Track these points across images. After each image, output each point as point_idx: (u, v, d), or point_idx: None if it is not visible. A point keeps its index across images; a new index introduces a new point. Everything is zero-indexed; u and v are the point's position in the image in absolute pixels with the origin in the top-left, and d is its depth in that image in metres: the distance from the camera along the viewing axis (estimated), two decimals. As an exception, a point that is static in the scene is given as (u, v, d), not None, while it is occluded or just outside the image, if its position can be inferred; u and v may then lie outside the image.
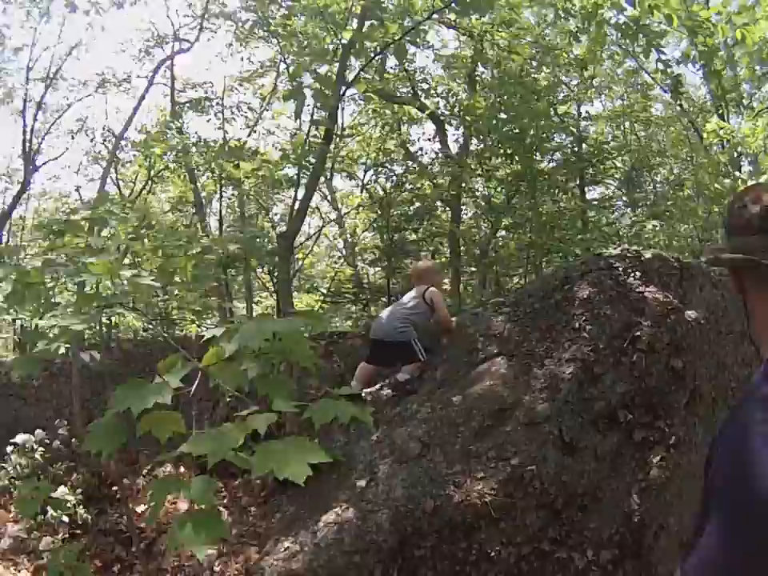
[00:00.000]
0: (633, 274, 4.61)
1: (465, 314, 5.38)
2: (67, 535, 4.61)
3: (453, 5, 4.27)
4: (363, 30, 4.10)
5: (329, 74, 5.40)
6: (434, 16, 7.02)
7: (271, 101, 11.96)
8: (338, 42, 6.07)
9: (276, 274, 8.84)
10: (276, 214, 12.92)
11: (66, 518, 4.47)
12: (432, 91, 10.40)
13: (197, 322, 8.57)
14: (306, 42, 7.52)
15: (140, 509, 5.35)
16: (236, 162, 8.65)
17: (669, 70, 5.00)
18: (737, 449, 1.04)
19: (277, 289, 9.12)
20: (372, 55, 5.99)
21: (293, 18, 7.59)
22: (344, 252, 14.23)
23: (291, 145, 9.09)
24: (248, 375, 2.02)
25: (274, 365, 2.09)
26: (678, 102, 11.20)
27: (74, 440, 6.28)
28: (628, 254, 4.77)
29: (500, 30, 9.04)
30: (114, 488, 5.59)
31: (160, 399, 1.74)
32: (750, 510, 0.98)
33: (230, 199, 11.69)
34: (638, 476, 3.79)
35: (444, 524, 3.47)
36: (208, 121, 10.87)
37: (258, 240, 8.28)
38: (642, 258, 4.77)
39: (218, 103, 10.95)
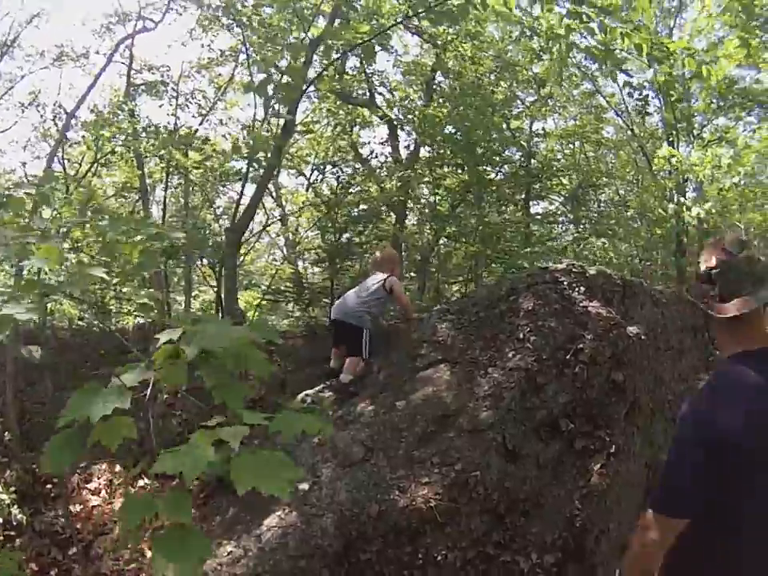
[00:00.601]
0: (577, 289, 4.74)
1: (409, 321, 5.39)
2: (1, 537, 4.41)
3: (426, 12, 4.28)
4: (333, 28, 4.07)
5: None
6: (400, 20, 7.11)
7: (227, 91, 11.77)
8: (305, 37, 6.03)
9: (218, 268, 8.68)
10: (219, 207, 12.69)
11: (-1, 519, 4.28)
12: (389, 95, 10.45)
13: (134, 314, 8.33)
14: (274, 34, 7.46)
15: (76, 508, 5.15)
16: (185, 151, 8.47)
17: (636, 93, 5.19)
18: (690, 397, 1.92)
19: (219, 284, 8.97)
20: (338, 54, 5.96)
21: (260, 9, 7.49)
22: (285, 250, 14.10)
23: (244, 137, 8.97)
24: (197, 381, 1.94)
25: (231, 372, 2.02)
26: (630, 127, 11.69)
27: (6, 433, 5.99)
28: (573, 270, 4.91)
29: (464, 41, 9.17)
30: (48, 486, 5.37)
31: (119, 404, 1.67)
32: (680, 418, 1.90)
33: (175, 188, 11.40)
34: (579, 483, 3.90)
35: (389, 528, 3.49)
36: (161, 106, 10.60)
37: (201, 232, 8.14)
38: (587, 274, 4.92)
39: (172, 88, 10.67)
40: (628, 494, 4.11)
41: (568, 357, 4.27)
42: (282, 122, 6.53)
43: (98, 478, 5.78)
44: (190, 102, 10.63)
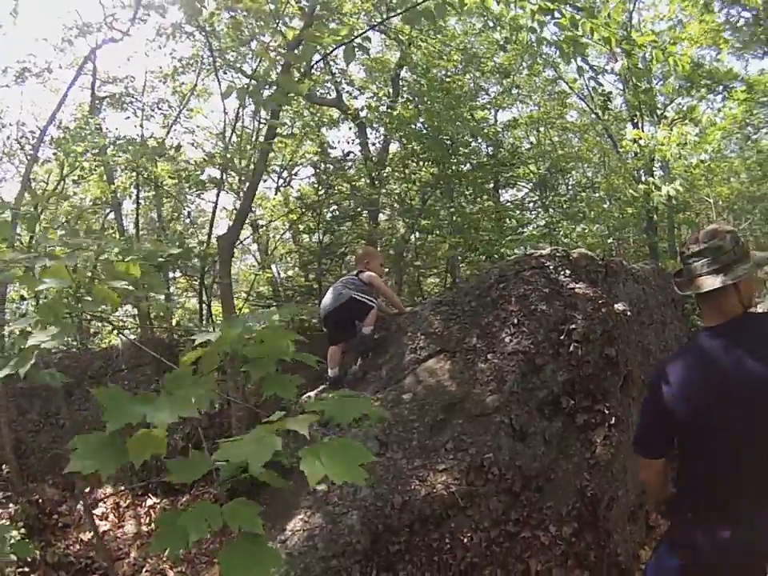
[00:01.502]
0: (563, 272, 4.92)
1: (403, 314, 5.48)
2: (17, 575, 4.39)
3: (405, 13, 4.36)
4: (310, 31, 4.15)
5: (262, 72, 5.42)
6: (363, 17, 7.17)
7: (190, 99, 11.69)
8: (279, 40, 6.07)
9: (200, 278, 8.68)
10: (190, 216, 12.61)
11: (13, 557, 4.23)
12: (356, 93, 10.51)
13: (117, 332, 8.27)
14: (243, 38, 7.46)
15: (87, 536, 5.14)
16: (156, 161, 8.43)
17: (600, 88, 5.34)
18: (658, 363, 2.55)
19: (201, 293, 8.96)
20: (320, 58, 6.02)
21: (227, 14, 7.46)
22: (259, 256, 14.06)
23: (215, 144, 8.97)
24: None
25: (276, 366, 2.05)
26: (594, 112, 11.94)
27: (3, 466, 5.93)
28: (557, 254, 5.09)
29: (429, 36, 9.27)
30: (55, 516, 5.34)
31: (188, 413, 1.57)
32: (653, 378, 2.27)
33: (146, 201, 11.30)
34: (585, 455, 4.10)
35: (414, 518, 3.61)
36: (127, 118, 10.48)
37: (182, 243, 8.13)
38: (570, 257, 5.12)
39: (137, 99, 10.57)
40: (631, 461, 4.30)
41: (562, 337, 4.46)
42: (257, 126, 6.58)
43: (104, 503, 5.74)
44: (155, 113, 10.53)
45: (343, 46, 4.63)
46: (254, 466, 1.47)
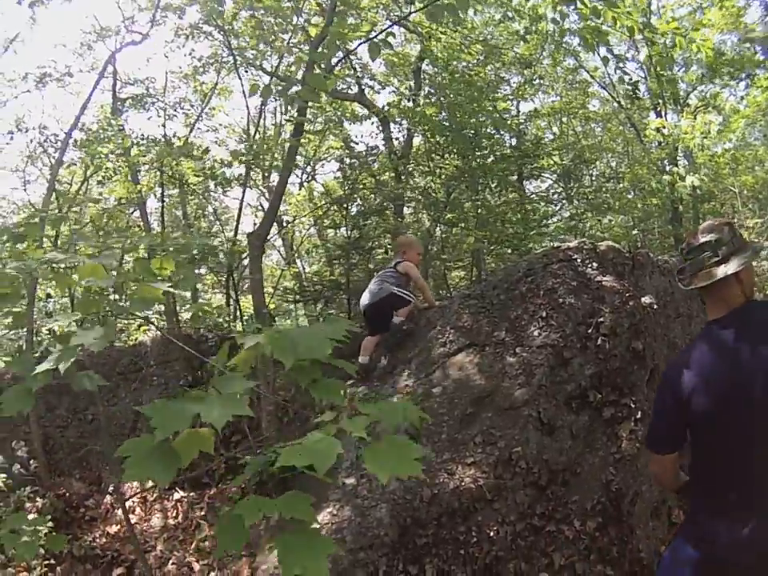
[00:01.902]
0: (590, 265, 4.93)
1: (432, 308, 5.50)
2: (44, 568, 4.48)
3: (427, 8, 4.38)
4: (334, 28, 4.19)
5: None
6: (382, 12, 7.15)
7: (211, 97, 11.82)
8: (300, 37, 6.12)
9: (227, 275, 8.80)
10: (215, 211, 12.76)
11: (41, 550, 4.34)
12: (377, 88, 10.54)
13: (144, 327, 8.42)
14: (264, 36, 7.53)
15: (113, 529, 5.24)
16: (181, 161, 8.56)
17: (627, 78, 5.31)
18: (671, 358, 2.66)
19: (228, 289, 9.08)
20: (344, 54, 6.05)
21: (245, 12, 7.52)
22: (284, 252, 14.15)
23: (239, 141, 9.05)
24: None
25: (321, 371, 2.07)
26: (617, 100, 11.80)
27: (32, 461, 6.06)
28: (585, 246, 5.10)
29: (448, 29, 9.26)
30: (82, 510, 5.46)
31: (240, 411, 1.64)
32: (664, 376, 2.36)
33: (168, 198, 11.45)
34: (611, 449, 4.12)
35: (442, 511, 3.68)
36: (149, 119, 10.66)
37: (211, 240, 8.26)
38: (598, 250, 5.11)
39: (159, 99, 10.71)
40: (655, 456, 4.32)
41: (590, 330, 4.48)
42: (280, 123, 6.63)
43: (133, 496, 5.85)
44: (177, 112, 10.67)
45: (366, 43, 4.66)
46: (321, 469, 1.53)
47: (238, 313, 9.31)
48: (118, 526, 5.40)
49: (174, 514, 5.58)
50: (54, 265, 2.87)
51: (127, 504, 5.73)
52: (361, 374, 5.12)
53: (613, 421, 4.26)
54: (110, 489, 5.83)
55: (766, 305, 2.56)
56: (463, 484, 3.74)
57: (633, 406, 4.29)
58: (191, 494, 5.73)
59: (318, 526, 1.72)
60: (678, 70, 12.11)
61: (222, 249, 8.00)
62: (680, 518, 4.51)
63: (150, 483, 5.90)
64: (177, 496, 5.78)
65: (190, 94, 11.73)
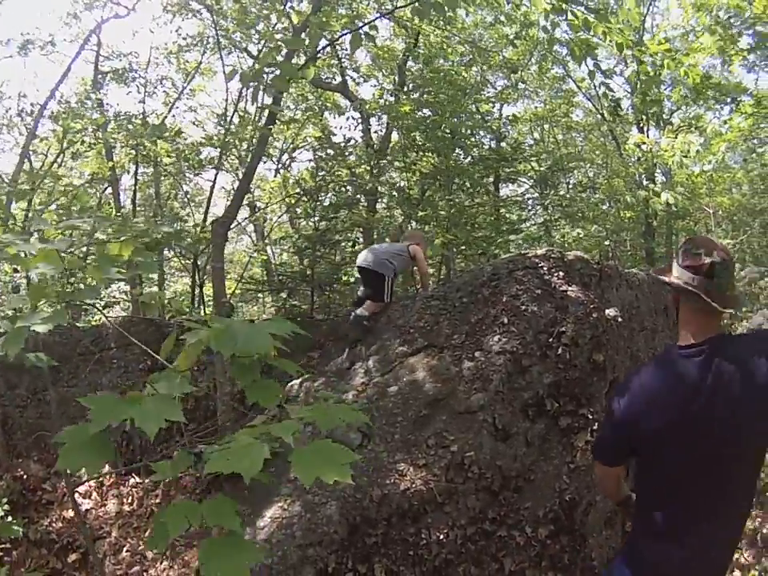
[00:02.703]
0: (556, 274, 4.95)
1: (394, 306, 5.50)
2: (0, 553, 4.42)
3: (414, 4, 4.36)
4: (317, 17, 4.15)
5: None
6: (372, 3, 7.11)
7: (194, 77, 11.66)
8: (284, 24, 6.05)
9: (193, 259, 8.69)
10: (187, 193, 12.60)
11: (-4, 536, 4.25)
12: (360, 80, 10.49)
13: (103, 310, 8.27)
14: (247, 19, 7.42)
15: (69, 514, 5.15)
16: (155, 140, 8.43)
17: (611, 94, 5.33)
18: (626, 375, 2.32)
19: (194, 275, 8.97)
20: (326, 44, 5.99)
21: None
22: (254, 238, 14.03)
23: (216, 124, 8.95)
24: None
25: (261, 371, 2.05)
26: (600, 113, 11.91)
27: (-10, 442, 5.92)
28: (552, 255, 5.12)
29: (437, 27, 9.24)
30: (39, 493, 5.35)
31: (174, 417, 1.65)
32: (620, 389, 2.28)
33: (142, 176, 11.28)
34: (566, 459, 4.15)
35: (392, 511, 3.68)
36: (128, 93, 10.52)
37: (178, 223, 8.15)
38: (565, 259, 5.13)
39: (141, 76, 10.54)
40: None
41: (551, 339, 4.49)
42: (258, 108, 6.56)
43: (88, 481, 5.76)
44: (157, 90, 10.52)
45: (350, 34, 4.61)
46: (247, 475, 1.57)
47: (202, 300, 9.19)
48: (74, 511, 5.32)
49: (130, 500, 5.50)
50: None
51: (83, 489, 5.65)
52: (355, 325, 5.39)
53: (569, 430, 4.29)
54: (64, 473, 5.73)
55: (737, 340, 2.41)
56: (414, 486, 3.74)
57: (590, 416, 4.33)
58: (147, 480, 5.67)
59: (241, 532, 1.73)
60: (665, 89, 12.28)
61: (188, 233, 7.88)
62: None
63: (107, 468, 5.82)
64: (132, 482, 5.71)
65: (173, 72, 11.58)
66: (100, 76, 10.50)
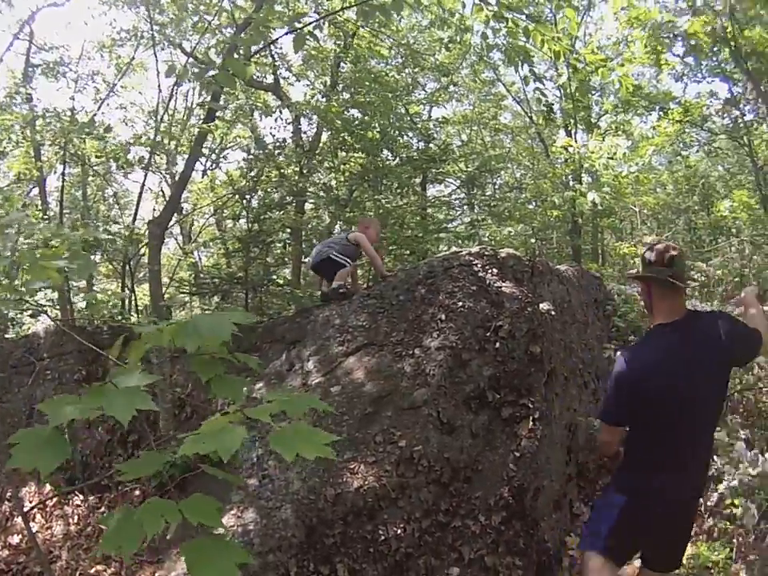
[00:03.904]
0: (490, 271, 5.09)
1: (330, 306, 5.52)
2: None
3: (359, 7, 4.37)
4: (260, 13, 4.12)
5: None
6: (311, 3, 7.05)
7: (126, 73, 11.29)
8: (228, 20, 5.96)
9: (123, 263, 8.46)
10: (115, 194, 12.23)
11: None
12: (293, 80, 10.43)
13: (35, 316, 7.97)
14: (184, 13, 7.26)
15: (15, 539, 4.92)
16: (84, 139, 8.14)
17: (544, 99, 5.52)
18: (623, 349, 3.09)
19: (124, 278, 8.72)
20: (265, 42, 5.92)
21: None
22: (182, 240, 13.74)
23: (147, 122, 8.74)
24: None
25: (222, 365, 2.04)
26: (529, 115, 12.24)
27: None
28: (486, 253, 5.27)
29: (372, 29, 9.29)
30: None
31: (144, 405, 1.61)
32: (617, 365, 2.98)
33: (69, 177, 10.85)
34: (511, 447, 4.29)
35: (347, 510, 3.74)
36: (58, 89, 10.15)
37: (107, 226, 7.91)
38: (498, 257, 5.29)
39: (72, 70, 10.14)
40: (555, 453, 4.58)
41: (488, 334, 4.62)
42: (190, 106, 6.45)
43: (30, 502, 5.52)
44: (88, 85, 10.14)
45: (291, 34, 4.60)
46: (224, 455, 1.52)
47: (134, 303, 8.95)
48: (20, 536, 5.07)
49: (76, 520, 5.33)
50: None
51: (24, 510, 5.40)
52: (332, 298, 5.59)
53: (511, 420, 4.43)
54: (8, 495, 5.46)
55: (703, 315, 3.15)
56: (367, 483, 3.81)
57: (531, 406, 4.47)
58: (91, 497, 5.48)
59: (224, 532, 1.69)
60: (594, 94, 12.77)
61: (118, 236, 7.65)
62: (581, 510, 4.86)
63: (49, 487, 5.57)
64: (77, 501, 5.51)
65: (105, 68, 11.22)
66: (30, 69, 10.02)
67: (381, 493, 3.80)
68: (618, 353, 3.11)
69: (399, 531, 3.75)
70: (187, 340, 1.79)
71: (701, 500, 3.23)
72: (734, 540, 4.38)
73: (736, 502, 4.34)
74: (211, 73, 4.18)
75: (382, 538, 3.71)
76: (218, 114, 10.67)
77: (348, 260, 5.79)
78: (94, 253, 8.90)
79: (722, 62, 12.05)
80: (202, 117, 6.87)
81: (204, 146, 12.21)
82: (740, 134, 12.92)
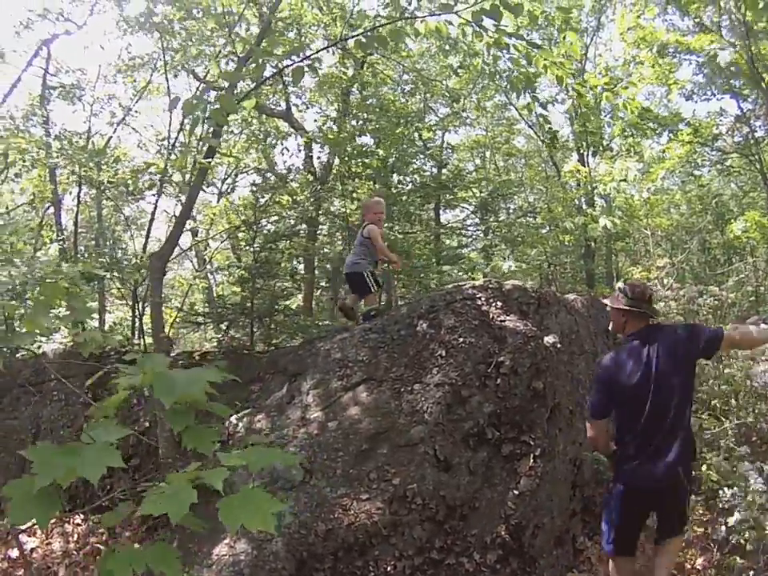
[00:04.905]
0: (494, 304, 5.11)
1: (332, 339, 5.52)
2: None
3: (358, 37, 4.45)
4: (261, 48, 4.21)
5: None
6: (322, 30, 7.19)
7: (142, 97, 11.56)
8: (229, 51, 6.09)
9: (134, 289, 8.59)
10: (127, 218, 12.45)
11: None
12: (305, 107, 10.60)
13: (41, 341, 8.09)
14: (196, 41, 7.43)
15: (14, 553, 5.03)
16: (97, 166, 8.33)
17: (548, 126, 5.54)
18: (602, 358, 4.05)
19: (134, 306, 8.85)
20: (269, 75, 6.04)
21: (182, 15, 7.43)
22: (197, 263, 13.89)
23: (160, 149, 8.91)
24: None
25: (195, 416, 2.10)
26: (540, 138, 12.28)
27: None
28: (490, 285, 5.30)
29: (383, 56, 9.42)
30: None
31: (114, 463, 1.72)
32: (597, 369, 4.13)
33: (84, 198, 11.08)
34: (510, 485, 4.31)
35: (338, 545, 3.77)
36: (74, 112, 10.42)
37: (119, 253, 8.06)
38: (503, 289, 5.32)
39: (88, 94, 10.40)
40: (558, 489, 4.58)
41: (489, 370, 4.64)
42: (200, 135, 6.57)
43: (25, 529, 5.62)
44: (104, 108, 10.38)
45: (293, 66, 4.68)
46: (174, 518, 1.65)
47: (142, 332, 9.06)
48: (18, 550, 5.18)
49: (76, 539, 5.42)
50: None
51: (27, 526, 5.48)
52: (358, 320, 6.05)
53: (512, 457, 4.45)
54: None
55: (660, 327, 4.00)
56: (358, 519, 3.84)
57: (532, 443, 4.49)
58: (92, 517, 5.58)
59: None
60: (605, 116, 12.78)
61: (128, 261, 7.78)
62: (585, 545, 4.86)
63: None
64: (77, 520, 5.61)
65: (121, 92, 11.53)
66: (48, 92, 10.29)
67: (372, 530, 3.82)
68: (599, 359, 4.03)
69: (390, 568, 3.78)
70: (163, 393, 1.89)
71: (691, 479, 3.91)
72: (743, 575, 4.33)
73: (746, 535, 4.30)
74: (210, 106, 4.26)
75: (372, 574, 3.74)
76: (232, 139, 10.87)
77: (374, 285, 6.06)
78: (104, 277, 9.06)
79: (731, 78, 12.01)
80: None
81: (218, 169, 12.44)
82: (751, 151, 12.84)
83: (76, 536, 5.42)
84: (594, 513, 5.10)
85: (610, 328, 4.30)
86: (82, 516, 5.58)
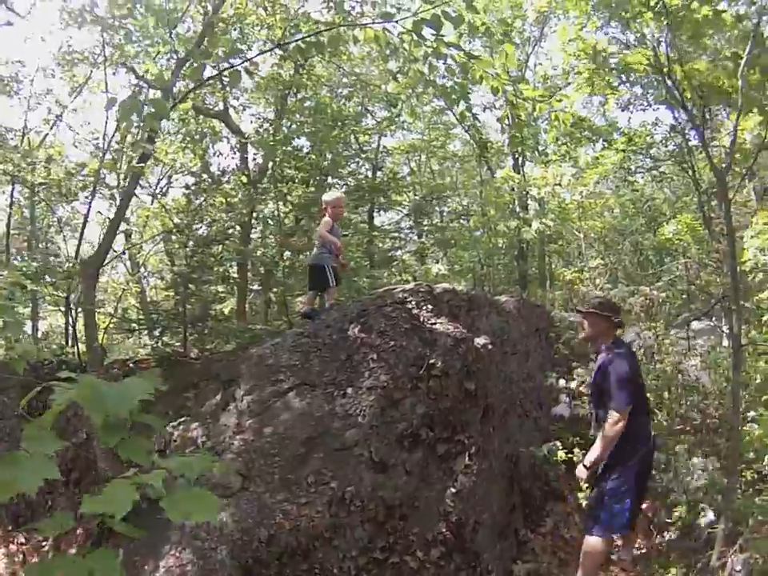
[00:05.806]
0: (425, 307, 5.24)
1: (265, 344, 5.54)
2: None
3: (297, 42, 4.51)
4: (201, 47, 4.22)
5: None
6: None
7: (81, 93, 11.22)
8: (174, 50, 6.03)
9: (66, 296, 8.41)
10: (60, 220, 12.11)
11: None
12: (243, 107, 10.53)
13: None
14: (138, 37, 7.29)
15: None
16: (31, 166, 8.09)
17: (478, 137, 5.68)
18: (613, 359, 4.44)
19: (67, 313, 8.66)
20: (205, 79, 6.00)
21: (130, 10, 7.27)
22: (129, 267, 13.61)
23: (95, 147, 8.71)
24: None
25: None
26: (475, 146, 12.53)
27: None
28: (421, 289, 5.43)
29: (322, 59, 9.44)
30: None
31: (50, 475, 1.71)
32: (624, 369, 4.47)
33: (18, 199, 10.72)
34: (447, 483, 4.48)
35: (282, 550, 3.86)
36: (11, 107, 10.04)
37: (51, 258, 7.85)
38: (434, 292, 5.46)
39: (26, 87, 9.98)
40: (496, 486, 4.78)
41: (421, 372, 4.75)
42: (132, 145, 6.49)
43: None
44: (40, 104, 10.02)
45: (229, 70, 4.71)
46: (117, 515, 1.68)
47: (76, 340, 8.86)
48: None
49: (21, 558, 5.32)
50: None
51: None
52: (303, 318, 6.14)
53: (447, 456, 4.60)
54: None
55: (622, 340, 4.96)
56: (300, 524, 3.94)
57: (467, 442, 4.66)
58: (35, 536, 5.46)
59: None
60: (542, 122, 13.16)
61: (60, 266, 7.61)
62: (528, 537, 5.07)
63: None
64: (21, 539, 5.50)
65: (60, 87, 11.16)
66: None
67: (314, 533, 3.93)
68: (618, 356, 4.44)
69: (335, 570, 3.91)
70: (95, 409, 1.88)
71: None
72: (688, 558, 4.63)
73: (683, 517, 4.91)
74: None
75: (318, 576, 3.84)
76: (168, 139, 10.71)
77: (334, 279, 6.22)
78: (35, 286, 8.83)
79: (665, 91, 12.58)
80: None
81: (153, 170, 12.22)
82: (684, 159, 13.45)
83: (21, 557, 5.33)
84: (533, 506, 5.32)
85: (585, 335, 4.74)
86: (25, 534, 5.48)
